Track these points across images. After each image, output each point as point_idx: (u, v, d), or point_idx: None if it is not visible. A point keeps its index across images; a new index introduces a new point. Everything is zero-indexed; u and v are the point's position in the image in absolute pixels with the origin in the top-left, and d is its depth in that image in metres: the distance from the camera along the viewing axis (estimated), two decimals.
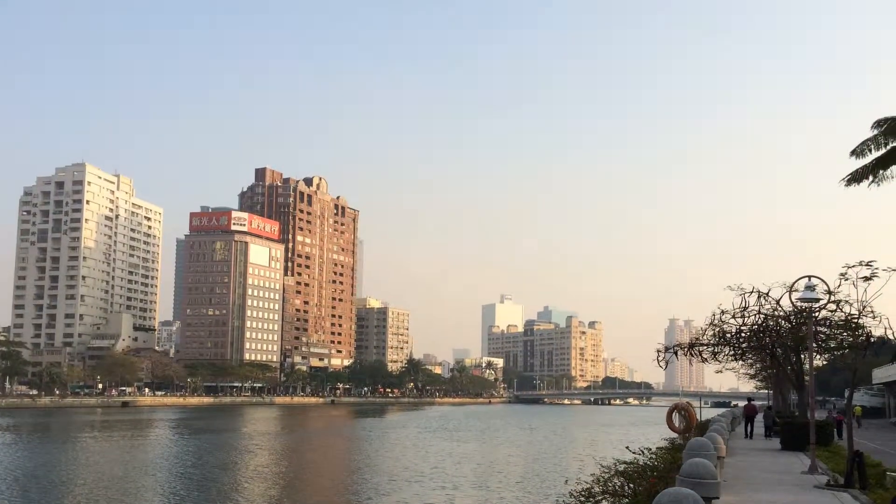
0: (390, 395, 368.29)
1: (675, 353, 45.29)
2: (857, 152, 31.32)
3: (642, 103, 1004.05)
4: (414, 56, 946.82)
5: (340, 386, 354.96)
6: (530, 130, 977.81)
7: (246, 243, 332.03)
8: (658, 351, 45.21)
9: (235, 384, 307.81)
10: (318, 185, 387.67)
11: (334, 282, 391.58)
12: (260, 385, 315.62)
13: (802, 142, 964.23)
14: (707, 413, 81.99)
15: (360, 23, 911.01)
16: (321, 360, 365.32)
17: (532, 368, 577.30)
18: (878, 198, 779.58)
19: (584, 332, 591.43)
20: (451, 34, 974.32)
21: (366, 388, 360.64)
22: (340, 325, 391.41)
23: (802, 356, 42.45)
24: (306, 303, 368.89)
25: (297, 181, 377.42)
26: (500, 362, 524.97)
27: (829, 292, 33.18)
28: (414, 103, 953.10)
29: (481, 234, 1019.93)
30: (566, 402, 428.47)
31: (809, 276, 31.20)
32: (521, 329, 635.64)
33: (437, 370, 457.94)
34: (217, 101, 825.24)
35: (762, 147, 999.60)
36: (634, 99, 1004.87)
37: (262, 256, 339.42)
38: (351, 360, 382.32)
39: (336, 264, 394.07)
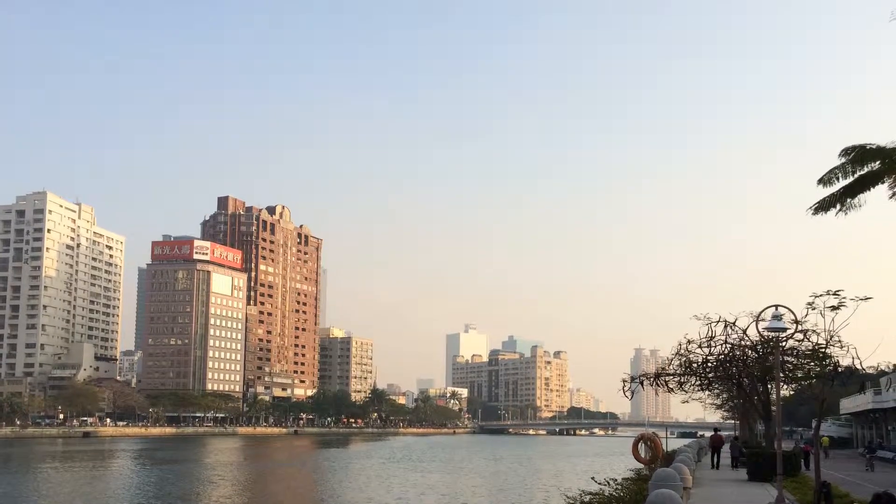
0: (354, 425, 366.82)
1: (641, 382, 44.96)
2: (825, 181, 31.23)
3: (609, 133, 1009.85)
4: (376, 84, 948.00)
5: (304, 416, 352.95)
6: (496, 160, 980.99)
7: (208, 272, 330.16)
8: (624, 381, 44.85)
9: (198, 414, 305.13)
10: (280, 214, 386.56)
11: (297, 311, 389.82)
12: (222, 415, 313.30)
13: (772, 170, 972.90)
14: (673, 443, 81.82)
15: (322, 51, 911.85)
16: (284, 389, 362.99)
17: (497, 398, 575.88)
18: (846, 226, 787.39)
19: (549, 362, 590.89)
20: (417, 60, 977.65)
21: (329, 419, 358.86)
22: (304, 355, 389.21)
23: (769, 386, 42.27)
24: (269, 332, 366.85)
25: (260, 210, 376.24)
26: (464, 392, 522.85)
27: (797, 322, 33.03)
28: (377, 131, 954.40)
29: (445, 263, 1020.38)
30: (531, 432, 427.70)
31: (776, 306, 31.07)
32: (485, 359, 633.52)
33: (402, 400, 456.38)
34: (178, 129, 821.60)
35: (731, 175, 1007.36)
36: (598, 130, 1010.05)
37: (225, 286, 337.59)
38: (314, 390, 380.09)
39: (299, 293, 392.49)
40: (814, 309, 31.76)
